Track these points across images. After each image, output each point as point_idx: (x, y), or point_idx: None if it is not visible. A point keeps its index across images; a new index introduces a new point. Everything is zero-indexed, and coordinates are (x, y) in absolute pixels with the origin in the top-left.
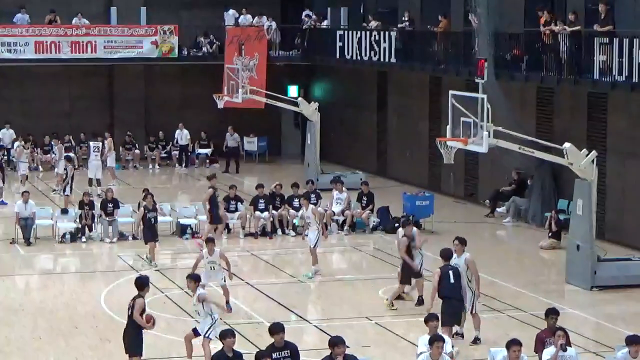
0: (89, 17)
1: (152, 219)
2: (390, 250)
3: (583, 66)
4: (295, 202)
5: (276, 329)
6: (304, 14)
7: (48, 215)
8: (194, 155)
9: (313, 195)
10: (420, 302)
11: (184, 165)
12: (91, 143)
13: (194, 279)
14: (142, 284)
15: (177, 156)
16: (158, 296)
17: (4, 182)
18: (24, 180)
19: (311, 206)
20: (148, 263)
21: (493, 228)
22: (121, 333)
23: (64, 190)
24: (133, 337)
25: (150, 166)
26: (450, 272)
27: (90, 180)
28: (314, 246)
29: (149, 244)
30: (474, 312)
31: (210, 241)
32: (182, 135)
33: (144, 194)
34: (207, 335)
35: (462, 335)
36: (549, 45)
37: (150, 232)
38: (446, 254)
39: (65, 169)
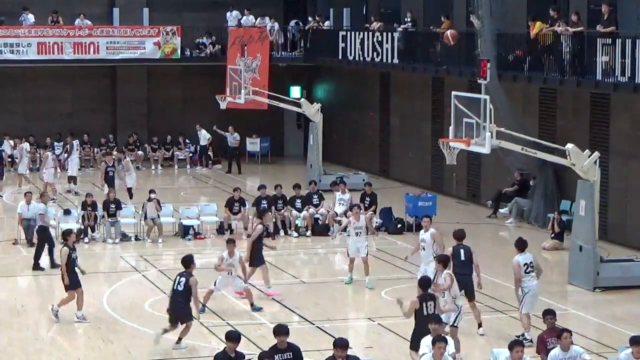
0: (92, 18)
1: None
2: (392, 251)
3: (586, 67)
4: (298, 203)
5: (280, 330)
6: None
7: (51, 216)
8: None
9: (315, 196)
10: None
11: (211, 165)
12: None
13: (444, 259)
14: (188, 261)
15: (198, 156)
16: (160, 297)
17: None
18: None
19: (362, 216)
20: None
21: (495, 229)
22: (124, 334)
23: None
24: (186, 308)
25: (153, 167)
26: (461, 251)
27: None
28: (366, 255)
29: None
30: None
31: (230, 242)
32: (201, 136)
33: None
34: (455, 324)
35: (480, 325)
36: (551, 46)
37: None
38: (459, 235)
39: None
